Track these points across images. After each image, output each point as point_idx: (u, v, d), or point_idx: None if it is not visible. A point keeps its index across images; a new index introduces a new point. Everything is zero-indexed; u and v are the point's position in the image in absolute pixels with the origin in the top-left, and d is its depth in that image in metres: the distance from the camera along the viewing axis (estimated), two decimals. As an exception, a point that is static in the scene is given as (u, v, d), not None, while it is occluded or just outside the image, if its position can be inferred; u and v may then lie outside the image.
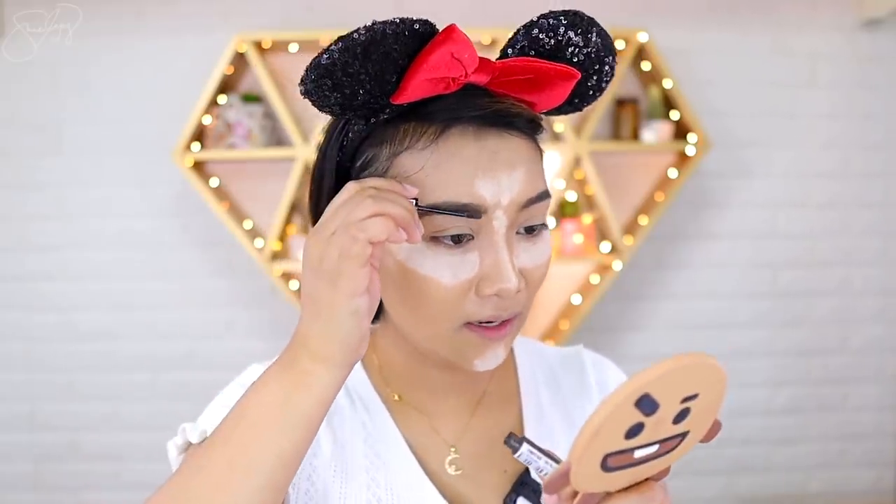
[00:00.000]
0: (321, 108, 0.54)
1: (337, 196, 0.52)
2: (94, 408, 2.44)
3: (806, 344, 2.54)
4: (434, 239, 0.54)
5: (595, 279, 2.36)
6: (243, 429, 0.49)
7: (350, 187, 0.52)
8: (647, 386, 0.39)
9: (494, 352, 0.58)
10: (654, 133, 2.25)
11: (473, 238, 0.55)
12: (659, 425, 0.42)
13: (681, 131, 2.29)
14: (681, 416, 0.42)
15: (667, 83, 2.23)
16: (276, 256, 2.25)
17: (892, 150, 2.48)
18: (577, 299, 2.37)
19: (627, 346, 2.50)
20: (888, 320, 2.55)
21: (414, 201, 0.53)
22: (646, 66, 2.27)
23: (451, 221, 0.54)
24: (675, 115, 2.28)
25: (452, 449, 0.66)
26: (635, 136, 2.30)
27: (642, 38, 2.19)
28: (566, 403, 0.72)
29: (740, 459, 2.53)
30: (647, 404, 0.40)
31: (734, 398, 2.46)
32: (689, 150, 2.24)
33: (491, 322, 0.57)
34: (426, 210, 0.53)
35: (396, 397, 0.67)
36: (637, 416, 0.40)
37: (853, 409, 2.57)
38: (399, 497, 0.62)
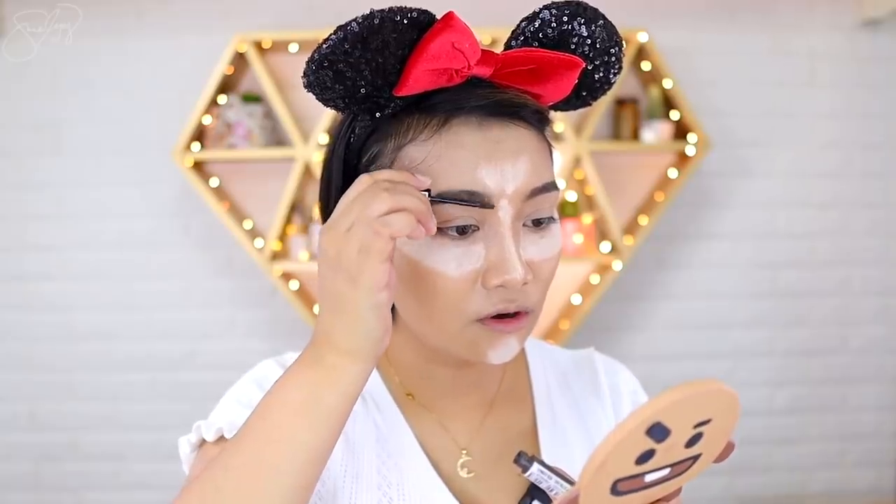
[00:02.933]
0: (325, 102, 0.54)
1: (349, 189, 0.51)
2: (93, 408, 2.44)
3: (806, 344, 2.53)
4: (439, 230, 0.54)
5: (595, 279, 2.36)
6: (269, 427, 0.49)
7: (363, 180, 0.51)
8: (659, 414, 0.38)
9: (507, 343, 0.57)
10: (654, 133, 2.25)
11: (479, 229, 0.55)
12: (670, 450, 0.41)
13: (681, 131, 2.29)
14: (693, 441, 0.42)
15: (667, 83, 2.23)
16: (276, 256, 2.25)
17: (893, 149, 2.48)
18: (577, 299, 2.37)
19: (627, 346, 2.50)
20: (888, 320, 2.55)
21: (427, 192, 0.53)
22: (646, 66, 2.27)
23: (457, 212, 0.53)
24: (675, 115, 2.28)
25: (464, 451, 0.65)
26: (635, 136, 2.30)
27: (642, 38, 2.19)
28: (579, 405, 0.71)
29: (740, 459, 2.52)
30: (658, 432, 0.39)
31: (734, 398, 2.46)
32: (689, 150, 2.24)
33: (500, 315, 0.56)
34: (437, 200, 0.53)
35: (408, 395, 0.66)
36: (648, 444, 0.40)
37: (853, 409, 2.57)
38: (411, 498, 0.61)
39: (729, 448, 0.46)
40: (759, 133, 2.44)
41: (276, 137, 2.34)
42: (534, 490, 0.62)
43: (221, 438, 0.59)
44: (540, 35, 0.58)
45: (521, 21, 0.58)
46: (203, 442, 0.61)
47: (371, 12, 0.49)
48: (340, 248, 0.49)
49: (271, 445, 0.48)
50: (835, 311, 2.53)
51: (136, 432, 2.44)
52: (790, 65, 2.42)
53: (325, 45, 0.50)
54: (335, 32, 0.50)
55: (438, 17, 0.53)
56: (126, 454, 2.45)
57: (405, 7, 0.51)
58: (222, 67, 2.16)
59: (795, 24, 2.41)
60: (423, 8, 0.51)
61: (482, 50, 0.54)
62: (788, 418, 2.55)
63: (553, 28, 0.57)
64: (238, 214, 2.34)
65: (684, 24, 2.38)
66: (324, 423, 0.49)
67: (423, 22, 0.52)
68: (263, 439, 0.49)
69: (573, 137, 2.20)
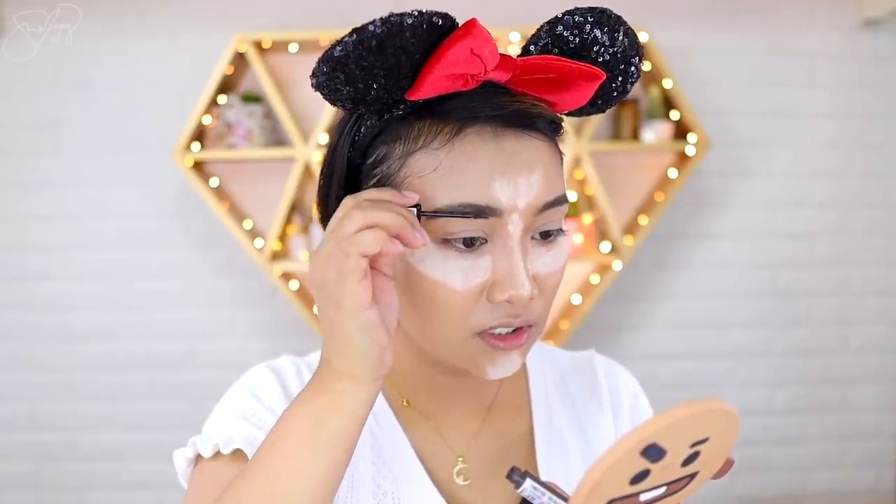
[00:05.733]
0: (333, 102, 0.52)
1: (335, 214, 0.50)
2: (93, 408, 2.44)
3: (806, 344, 2.53)
4: (446, 242, 0.53)
5: (595, 279, 2.36)
6: (278, 457, 0.49)
7: (345, 202, 0.50)
8: (655, 436, 0.38)
9: (508, 358, 0.56)
10: (654, 133, 2.25)
11: (487, 242, 0.53)
12: (666, 469, 0.41)
13: (681, 131, 2.28)
14: (690, 459, 0.41)
15: (667, 83, 2.23)
16: (276, 256, 2.25)
17: (892, 149, 2.48)
18: (577, 299, 2.37)
19: (627, 346, 2.50)
20: (888, 320, 2.55)
21: (416, 208, 0.51)
22: (646, 66, 2.27)
23: (462, 224, 0.52)
24: (675, 115, 2.28)
25: (460, 459, 0.64)
26: (635, 136, 2.30)
27: (642, 38, 2.19)
28: (577, 410, 0.70)
29: (740, 459, 2.52)
30: (653, 452, 0.39)
31: (734, 398, 2.46)
32: (690, 150, 2.24)
33: (502, 329, 0.55)
34: (430, 215, 0.52)
35: (404, 402, 0.65)
36: (643, 464, 0.39)
37: (853, 409, 2.57)
38: None
39: (727, 465, 0.46)
40: (759, 133, 2.44)
41: (276, 137, 2.34)
42: None
43: (218, 454, 0.59)
44: (560, 41, 0.56)
45: (542, 25, 0.56)
46: (199, 457, 0.60)
47: (390, 16, 0.47)
48: (322, 275, 0.48)
49: (281, 476, 0.48)
50: (834, 311, 2.53)
51: (136, 432, 2.44)
52: (790, 65, 2.42)
53: (338, 47, 0.48)
54: (350, 35, 0.47)
55: (460, 21, 0.51)
56: (126, 454, 2.45)
57: (426, 11, 0.48)
58: (222, 67, 2.16)
59: (795, 24, 2.41)
60: (445, 12, 0.49)
61: (500, 55, 0.52)
62: (788, 418, 2.55)
63: (575, 35, 0.55)
64: (238, 214, 2.34)
65: (684, 24, 2.38)
66: (331, 449, 0.49)
67: (444, 27, 0.49)
68: (273, 470, 0.49)
69: (573, 137, 2.20)
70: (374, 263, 0.50)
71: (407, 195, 0.52)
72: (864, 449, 2.58)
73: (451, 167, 0.52)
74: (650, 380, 2.23)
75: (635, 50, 0.58)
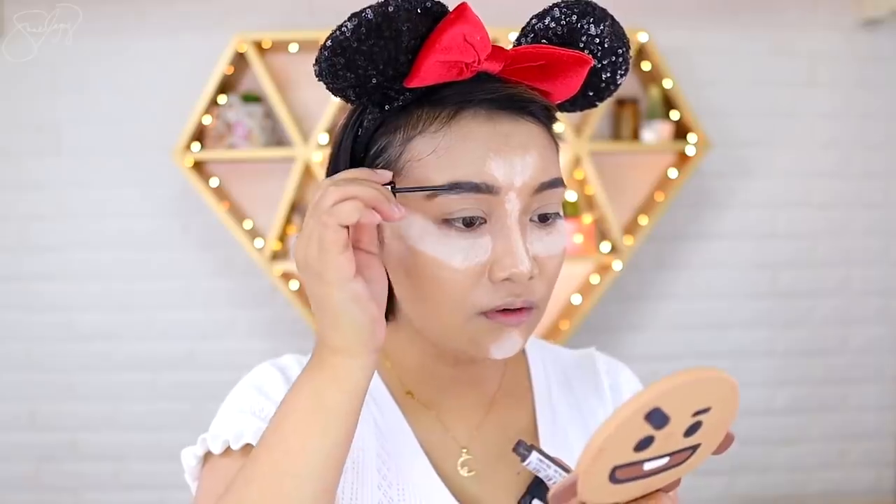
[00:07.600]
0: (335, 92, 0.54)
1: (313, 195, 0.53)
2: (93, 408, 2.44)
3: (806, 344, 2.53)
4: (445, 222, 0.54)
5: (595, 279, 2.36)
6: (284, 435, 0.50)
7: (322, 183, 0.52)
8: (658, 400, 0.38)
9: (510, 337, 0.57)
10: (654, 133, 2.25)
11: (486, 222, 0.55)
12: (669, 438, 0.41)
13: (681, 131, 2.28)
14: (692, 430, 0.42)
15: (667, 83, 2.23)
16: (276, 256, 2.25)
17: (893, 149, 2.48)
18: (577, 299, 2.37)
19: (627, 346, 2.50)
20: (888, 320, 2.55)
21: (391, 185, 0.54)
22: (646, 66, 2.27)
23: (461, 203, 0.53)
24: (675, 115, 2.28)
25: (464, 450, 0.65)
26: (635, 136, 2.30)
27: (642, 38, 2.19)
28: (580, 405, 0.71)
29: (740, 459, 2.52)
30: (657, 418, 0.39)
31: (734, 398, 2.46)
32: (689, 150, 2.24)
33: (504, 309, 0.56)
34: (405, 191, 0.54)
35: (408, 394, 0.66)
36: (647, 430, 0.40)
37: (853, 409, 2.57)
38: (411, 498, 0.61)
39: (728, 440, 0.46)
40: (759, 133, 2.44)
41: (276, 137, 2.34)
42: (534, 488, 0.62)
43: (228, 450, 0.59)
44: (549, 32, 0.58)
45: (531, 18, 0.59)
46: (209, 455, 0.61)
47: (385, 1, 0.50)
48: (306, 252, 0.50)
49: (287, 454, 0.49)
50: (835, 311, 2.53)
51: (136, 432, 2.44)
52: (790, 65, 2.42)
53: (338, 32, 0.50)
54: (349, 19, 0.50)
55: (451, 8, 0.53)
56: (126, 454, 2.45)
57: None
58: (222, 67, 2.16)
59: (795, 24, 2.41)
60: None
61: (492, 46, 0.55)
62: (788, 418, 2.55)
63: (562, 26, 0.58)
64: (238, 214, 2.34)
65: (684, 24, 2.38)
66: (333, 424, 0.50)
67: (437, 12, 0.52)
68: (279, 450, 0.50)
69: (573, 137, 2.20)
70: (357, 242, 0.52)
71: (380, 172, 0.54)
72: (864, 449, 2.58)
73: (447, 148, 0.54)
74: (650, 380, 2.21)
75: (622, 41, 0.60)
